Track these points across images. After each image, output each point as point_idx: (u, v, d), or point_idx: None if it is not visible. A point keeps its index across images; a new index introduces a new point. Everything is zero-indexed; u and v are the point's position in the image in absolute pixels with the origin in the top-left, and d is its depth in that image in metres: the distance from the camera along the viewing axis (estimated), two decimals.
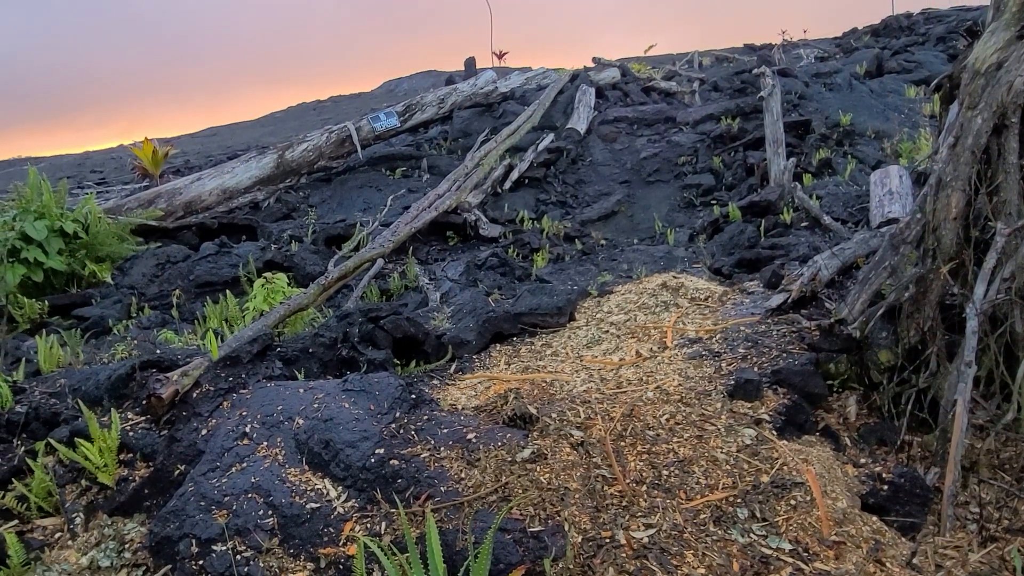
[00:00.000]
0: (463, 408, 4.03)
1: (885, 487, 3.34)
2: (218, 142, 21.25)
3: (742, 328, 4.81)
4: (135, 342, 5.28)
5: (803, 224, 7.70)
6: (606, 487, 3.17)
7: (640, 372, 4.35)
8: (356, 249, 8.04)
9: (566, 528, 2.92)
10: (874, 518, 3.14)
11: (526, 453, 3.29)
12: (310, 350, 4.63)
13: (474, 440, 3.41)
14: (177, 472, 3.59)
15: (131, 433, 3.87)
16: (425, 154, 12.40)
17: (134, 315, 6.79)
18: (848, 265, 5.54)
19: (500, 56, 20.26)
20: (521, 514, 2.97)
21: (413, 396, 3.88)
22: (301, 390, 3.85)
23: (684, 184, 10.48)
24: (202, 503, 3.20)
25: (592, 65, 16.03)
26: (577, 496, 3.08)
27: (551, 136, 11.87)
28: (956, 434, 3.31)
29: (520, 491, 3.08)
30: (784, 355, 4.31)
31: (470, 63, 17.92)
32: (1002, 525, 3.19)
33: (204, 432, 3.68)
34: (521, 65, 21.39)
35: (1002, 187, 3.76)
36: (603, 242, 9.02)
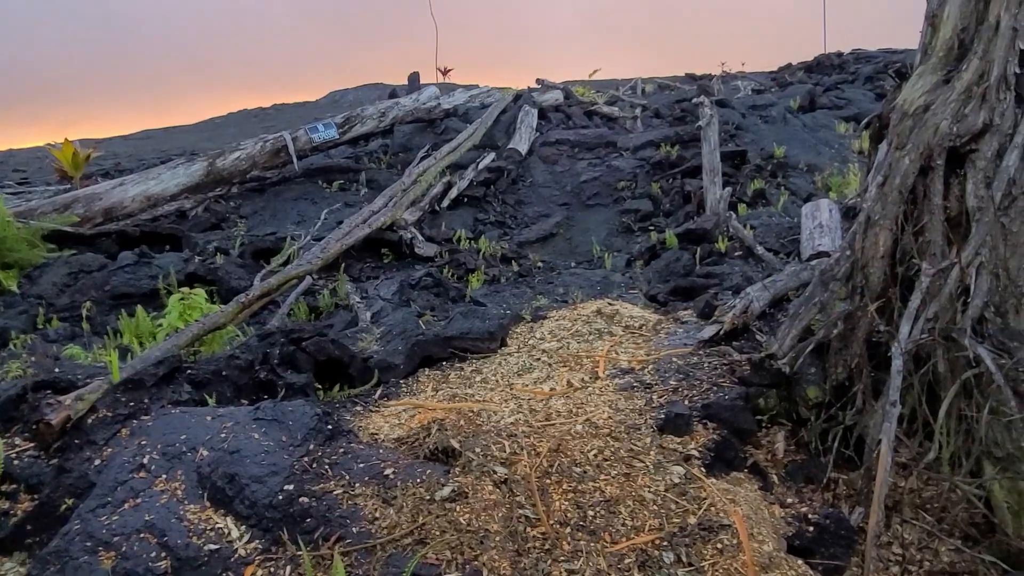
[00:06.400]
0: (385, 439, 3.84)
1: (811, 528, 3.30)
2: (152, 145, 20.37)
3: (674, 359, 4.76)
4: (33, 358, 4.89)
5: (737, 253, 7.78)
6: (529, 529, 3.03)
7: (570, 403, 4.24)
8: (285, 264, 7.73)
9: (484, 574, 2.75)
10: (800, 561, 3.08)
11: (446, 491, 3.12)
12: (224, 372, 4.35)
13: (392, 476, 3.23)
14: (65, 507, 3.29)
15: (16, 461, 3.54)
16: (364, 167, 12.14)
17: (40, 327, 6.34)
18: (779, 297, 5.57)
19: (445, 72, 20.15)
20: (437, 558, 2.79)
21: (329, 427, 3.67)
22: (208, 418, 3.59)
23: (623, 209, 10.51)
24: (88, 543, 2.92)
25: (536, 86, 16.07)
26: (498, 539, 2.92)
27: (492, 155, 11.78)
28: (880, 474, 3.29)
29: (437, 533, 2.91)
30: (715, 388, 4.27)
31: (414, 78, 17.75)
32: (923, 567, 3.18)
33: (97, 462, 3.38)
34: (467, 82, 21.28)
35: (927, 227, 3.81)
36: (540, 264, 8.94)
